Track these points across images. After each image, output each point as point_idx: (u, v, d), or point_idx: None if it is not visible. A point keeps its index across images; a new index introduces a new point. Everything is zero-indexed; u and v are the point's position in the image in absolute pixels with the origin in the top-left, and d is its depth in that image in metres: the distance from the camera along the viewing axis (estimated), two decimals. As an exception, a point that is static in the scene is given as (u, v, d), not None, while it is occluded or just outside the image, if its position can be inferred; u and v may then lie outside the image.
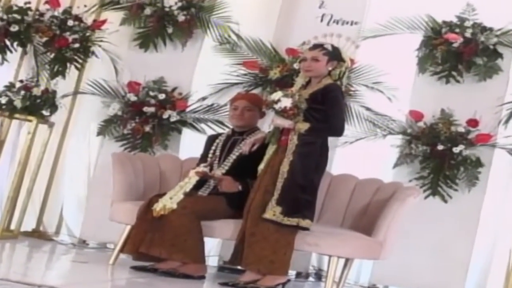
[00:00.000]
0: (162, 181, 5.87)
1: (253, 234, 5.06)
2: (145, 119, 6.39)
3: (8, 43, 6.51)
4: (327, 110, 5.09)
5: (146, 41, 6.60)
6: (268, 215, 5.02)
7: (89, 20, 6.56)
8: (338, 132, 5.21)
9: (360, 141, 6.19)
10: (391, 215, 5.24)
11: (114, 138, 6.51)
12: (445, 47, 6.18)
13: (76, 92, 6.67)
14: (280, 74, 6.23)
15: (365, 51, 6.09)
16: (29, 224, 6.55)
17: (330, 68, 5.20)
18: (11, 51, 6.55)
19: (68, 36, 6.42)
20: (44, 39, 6.45)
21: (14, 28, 6.43)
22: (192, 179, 5.42)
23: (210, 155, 5.60)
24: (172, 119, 6.38)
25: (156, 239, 5.19)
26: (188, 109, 6.45)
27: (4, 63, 6.55)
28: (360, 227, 5.38)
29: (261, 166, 5.20)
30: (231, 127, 5.78)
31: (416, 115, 6.17)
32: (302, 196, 5.06)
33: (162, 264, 5.27)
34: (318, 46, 5.25)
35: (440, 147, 6.02)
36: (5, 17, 6.44)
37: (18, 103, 6.24)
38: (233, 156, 5.52)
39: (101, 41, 6.52)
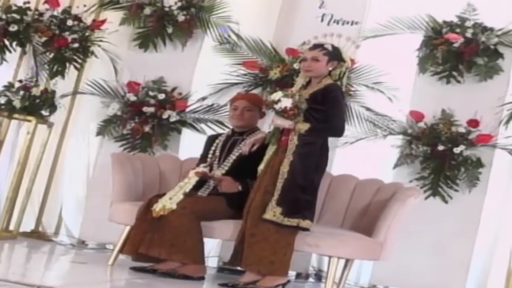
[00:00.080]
0: (161, 182, 5.86)
1: (253, 234, 5.05)
2: (144, 119, 6.38)
3: (7, 43, 6.50)
4: (327, 111, 5.08)
5: (145, 41, 6.59)
6: (268, 215, 5.01)
7: (88, 20, 6.56)
8: (339, 132, 5.19)
9: (361, 142, 6.18)
10: (392, 215, 5.23)
11: (113, 138, 6.50)
12: (446, 47, 6.17)
13: (75, 92, 6.66)
14: (280, 74, 6.22)
15: (365, 51, 6.09)
16: (28, 225, 6.54)
17: (330, 68, 5.19)
18: (10, 51, 6.54)
19: (67, 36, 6.41)
20: (43, 39, 6.44)
21: (13, 28, 6.42)
22: (191, 180, 5.41)
23: (210, 156, 5.59)
24: (172, 119, 6.37)
25: (155, 239, 5.17)
26: (187, 109, 6.44)
27: (3, 63, 6.54)
28: (360, 228, 5.37)
29: (261, 167, 5.18)
30: (231, 127, 5.77)
31: (417, 115, 6.16)
32: (302, 196, 5.05)
33: (161, 265, 5.25)
34: (318, 46, 5.24)
35: (440, 148, 6.01)
36: (4, 16, 6.43)
37: (17, 103, 6.23)
38: (233, 157, 5.50)
39: (101, 41, 6.52)
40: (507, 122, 6.06)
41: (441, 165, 6.05)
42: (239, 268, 5.29)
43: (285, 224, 5.00)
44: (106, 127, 6.49)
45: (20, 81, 6.37)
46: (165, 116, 6.35)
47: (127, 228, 5.40)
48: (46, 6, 6.52)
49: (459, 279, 5.99)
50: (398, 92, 6.18)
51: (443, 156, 6.02)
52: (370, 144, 6.19)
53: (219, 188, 5.39)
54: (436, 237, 6.01)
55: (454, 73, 6.20)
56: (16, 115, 6.33)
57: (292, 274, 5.82)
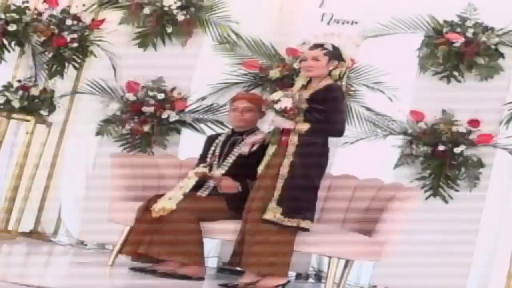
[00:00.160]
0: (161, 182, 5.84)
1: (253, 235, 5.04)
2: (144, 119, 6.37)
3: (5, 42, 6.49)
4: (327, 111, 5.07)
5: (145, 40, 6.58)
6: (268, 216, 4.99)
7: (87, 19, 6.56)
8: (339, 132, 5.18)
9: (361, 142, 6.17)
10: (392, 216, 5.22)
11: (112, 138, 6.49)
12: (447, 47, 6.16)
13: (74, 92, 6.65)
14: (280, 74, 6.21)
15: (365, 51, 6.09)
16: (27, 225, 6.53)
17: (330, 68, 5.18)
18: (9, 51, 6.53)
19: (66, 35, 6.41)
20: (42, 38, 6.44)
21: (12, 27, 6.41)
22: (191, 180, 5.40)
23: (209, 156, 5.58)
24: (171, 119, 6.35)
25: (155, 240, 5.16)
26: (187, 109, 6.43)
27: (2, 62, 6.54)
28: (361, 228, 5.35)
29: (261, 167, 5.17)
30: (230, 127, 5.76)
31: (417, 115, 6.14)
32: (302, 197, 5.04)
33: (161, 265, 5.25)
34: (318, 46, 5.23)
35: (441, 148, 6.00)
36: (2, 16, 6.43)
37: (16, 103, 6.23)
38: (232, 157, 5.49)
39: (100, 40, 6.52)
40: (508, 122, 6.05)
41: (441, 165, 6.04)
42: (239, 268, 5.28)
43: (286, 224, 4.99)
44: (105, 127, 6.48)
45: (19, 80, 6.37)
46: (164, 116, 6.34)
47: (127, 228, 5.40)
48: (45, 5, 6.51)
49: (460, 279, 5.97)
50: (398, 92, 6.17)
51: (443, 156, 6.01)
52: (370, 144, 6.18)
53: (219, 188, 5.38)
54: (437, 237, 5.99)
55: (455, 73, 6.19)
56: (15, 115, 6.33)
57: (292, 274, 5.81)
